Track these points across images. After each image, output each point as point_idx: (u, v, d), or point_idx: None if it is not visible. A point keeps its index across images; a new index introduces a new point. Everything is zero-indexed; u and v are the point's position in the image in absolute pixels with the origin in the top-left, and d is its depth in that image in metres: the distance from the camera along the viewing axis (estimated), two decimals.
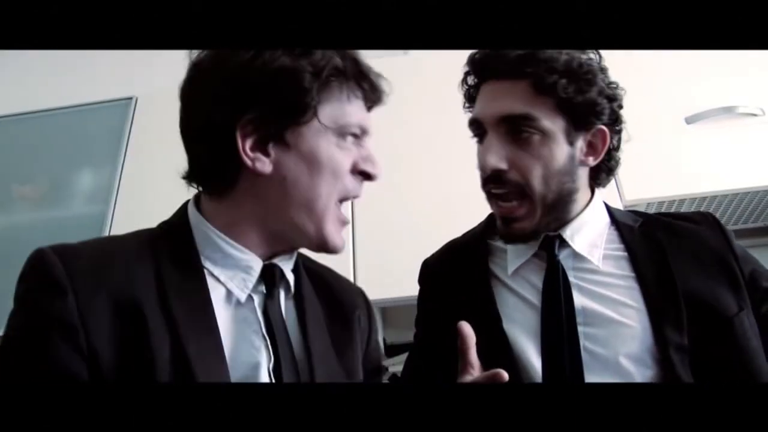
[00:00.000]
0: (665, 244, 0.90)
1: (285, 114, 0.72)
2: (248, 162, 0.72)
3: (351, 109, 0.75)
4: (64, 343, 0.63)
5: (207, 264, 0.74)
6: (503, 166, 0.86)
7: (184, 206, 0.79)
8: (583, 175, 0.91)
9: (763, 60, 1.60)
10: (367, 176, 0.77)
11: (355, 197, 0.78)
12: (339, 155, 0.74)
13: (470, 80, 0.94)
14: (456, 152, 1.65)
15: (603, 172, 0.94)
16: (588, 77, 0.86)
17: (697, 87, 1.61)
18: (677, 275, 0.86)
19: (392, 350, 1.79)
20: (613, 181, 1.05)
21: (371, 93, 0.78)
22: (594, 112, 0.87)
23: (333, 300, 0.85)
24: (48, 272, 0.65)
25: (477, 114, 0.91)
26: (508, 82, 0.87)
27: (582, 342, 0.84)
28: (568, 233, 0.90)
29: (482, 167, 0.89)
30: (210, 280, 0.73)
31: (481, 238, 1.00)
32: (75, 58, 2.40)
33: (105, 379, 0.63)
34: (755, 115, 1.55)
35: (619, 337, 0.83)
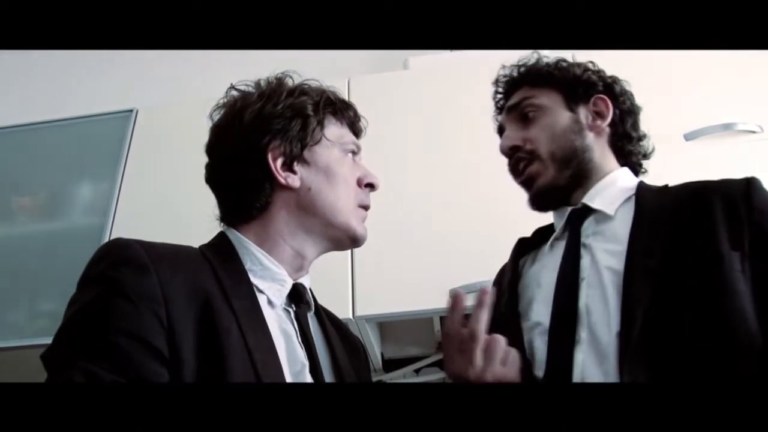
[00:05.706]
0: (672, 201, 0.92)
1: (300, 137, 0.89)
2: (281, 179, 0.88)
3: (344, 131, 0.95)
4: (148, 312, 0.71)
5: (249, 275, 0.85)
6: (517, 143, 1.03)
7: (221, 233, 0.91)
8: (594, 139, 1.03)
9: (763, 77, 1.60)
10: (371, 187, 0.95)
11: (367, 207, 0.94)
12: (346, 168, 0.92)
13: (499, 95, 1.14)
14: (458, 168, 1.65)
15: (624, 139, 1.05)
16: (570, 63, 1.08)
17: (696, 104, 1.61)
18: (669, 234, 0.87)
19: (390, 365, 1.78)
20: None
21: (355, 120, 0.97)
22: (583, 84, 1.05)
23: (343, 332, 1.01)
24: (132, 254, 0.75)
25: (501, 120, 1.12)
26: (518, 91, 1.09)
27: (586, 318, 0.87)
28: (588, 197, 0.98)
29: (502, 152, 1.05)
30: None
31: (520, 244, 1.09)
32: (76, 70, 2.41)
33: (179, 350, 0.71)
34: (754, 132, 1.55)
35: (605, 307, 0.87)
